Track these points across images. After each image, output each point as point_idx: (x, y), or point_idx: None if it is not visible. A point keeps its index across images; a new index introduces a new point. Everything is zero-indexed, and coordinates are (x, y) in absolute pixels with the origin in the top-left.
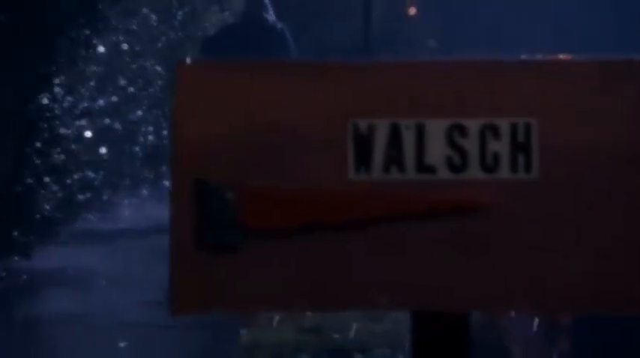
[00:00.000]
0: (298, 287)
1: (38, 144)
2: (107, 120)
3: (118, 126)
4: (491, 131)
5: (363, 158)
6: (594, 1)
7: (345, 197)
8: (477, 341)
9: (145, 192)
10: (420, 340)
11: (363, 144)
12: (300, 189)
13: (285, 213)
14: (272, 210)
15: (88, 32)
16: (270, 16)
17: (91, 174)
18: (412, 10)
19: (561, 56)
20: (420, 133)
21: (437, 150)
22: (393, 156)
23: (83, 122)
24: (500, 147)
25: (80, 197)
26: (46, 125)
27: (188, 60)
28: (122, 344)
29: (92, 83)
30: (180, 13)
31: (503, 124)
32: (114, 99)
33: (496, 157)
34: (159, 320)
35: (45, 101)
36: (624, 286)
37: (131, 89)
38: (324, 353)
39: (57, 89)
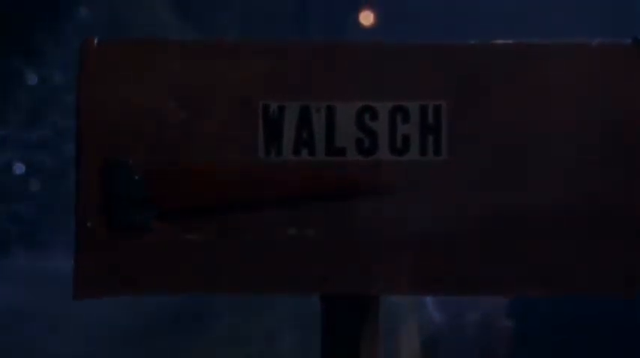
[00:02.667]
0: (210, 269)
1: None
2: (39, 154)
3: (50, 160)
4: (401, 113)
5: (273, 139)
6: None
7: (257, 177)
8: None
9: None
10: (331, 325)
11: (273, 126)
12: (211, 168)
13: (195, 192)
14: (182, 190)
15: (18, 62)
16: None
17: (21, 208)
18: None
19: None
20: (331, 115)
21: (347, 133)
22: (303, 138)
23: (12, 154)
24: (410, 129)
25: (9, 232)
26: None
27: (95, 39)
28: None
29: (22, 115)
30: None
31: (413, 106)
32: (46, 132)
33: (405, 139)
34: None
35: None
36: (533, 267)
37: (63, 123)
38: None
39: None
